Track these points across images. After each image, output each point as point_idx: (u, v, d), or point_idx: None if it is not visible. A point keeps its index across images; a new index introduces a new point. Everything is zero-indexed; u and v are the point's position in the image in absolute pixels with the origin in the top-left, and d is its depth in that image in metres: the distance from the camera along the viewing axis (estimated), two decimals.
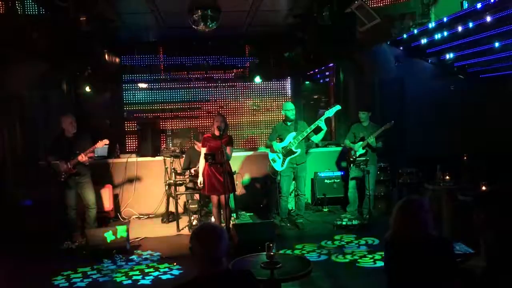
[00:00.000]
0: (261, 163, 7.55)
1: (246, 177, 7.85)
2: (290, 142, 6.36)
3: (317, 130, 6.33)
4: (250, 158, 7.89)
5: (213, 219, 6.28)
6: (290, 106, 6.54)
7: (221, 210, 6.09)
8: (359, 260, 5.08)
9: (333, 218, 6.78)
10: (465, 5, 5.54)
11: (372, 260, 5.06)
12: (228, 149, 5.98)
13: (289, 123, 6.52)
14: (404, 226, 2.54)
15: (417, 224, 2.51)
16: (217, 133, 5.89)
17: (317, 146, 7.90)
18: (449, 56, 6.82)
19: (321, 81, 10.05)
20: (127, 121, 9.61)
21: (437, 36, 6.14)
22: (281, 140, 6.51)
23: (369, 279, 4.57)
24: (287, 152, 6.36)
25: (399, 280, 2.53)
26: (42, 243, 5.95)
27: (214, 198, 6.04)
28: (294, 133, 6.40)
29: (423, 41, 6.51)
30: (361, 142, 6.63)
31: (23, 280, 5.00)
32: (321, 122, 6.25)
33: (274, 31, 8.74)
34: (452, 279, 2.45)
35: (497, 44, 5.70)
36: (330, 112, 6.35)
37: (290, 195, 6.89)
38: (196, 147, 7.03)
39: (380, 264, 4.86)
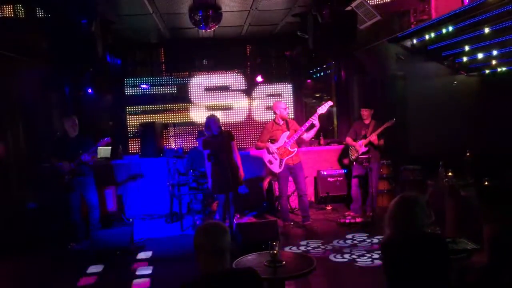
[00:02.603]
0: (263, 163, 7.54)
1: (249, 177, 7.83)
2: (285, 141, 6.21)
3: (310, 127, 6.22)
4: (253, 158, 7.88)
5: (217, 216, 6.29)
6: (284, 104, 6.39)
7: (226, 210, 6.09)
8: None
9: (337, 216, 6.80)
10: (466, 0, 5.55)
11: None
12: (233, 145, 5.98)
13: (281, 123, 6.32)
14: (399, 224, 2.53)
15: (412, 221, 2.51)
16: (216, 133, 5.90)
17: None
18: (450, 52, 6.80)
19: (323, 79, 10.05)
20: (130, 122, 9.63)
21: (438, 32, 6.13)
22: (274, 140, 6.29)
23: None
24: (284, 153, 6.22)
25: (398, 281, 2.52)
26: (47, 245, 5.96)
27: (222, 196, 6.04)
28: (287, 132, 6.23)
29: (424, 38, 6.50)
30: (363, 140, 6.63)
31: (26, 282, 5.02)
32: (314, 120, 6.09)
33: (274, 30, 8.76)
34: (447, 276, 2.44)
35: (498, 40, 5.69)
36: (323, 109, 6.13)
37: (291, 194, 6.88)
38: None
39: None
